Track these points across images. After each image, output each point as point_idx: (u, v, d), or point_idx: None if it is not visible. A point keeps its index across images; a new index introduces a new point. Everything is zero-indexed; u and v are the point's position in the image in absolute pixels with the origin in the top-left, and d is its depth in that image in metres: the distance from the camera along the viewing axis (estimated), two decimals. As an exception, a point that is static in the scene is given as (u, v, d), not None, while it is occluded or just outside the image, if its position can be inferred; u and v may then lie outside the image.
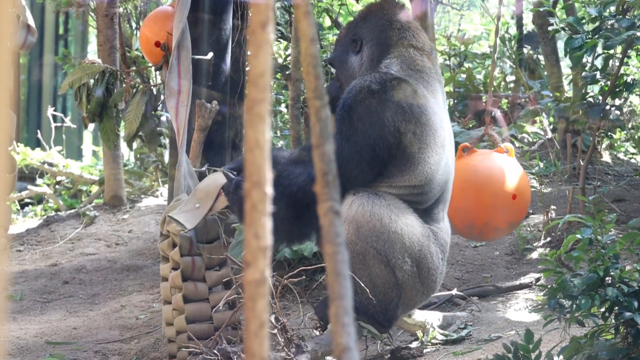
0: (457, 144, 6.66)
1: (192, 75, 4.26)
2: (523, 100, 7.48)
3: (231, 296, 3.84)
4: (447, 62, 7.98)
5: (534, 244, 5.29)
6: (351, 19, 7.32)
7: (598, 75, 5.02)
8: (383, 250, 3.68)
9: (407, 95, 3.73)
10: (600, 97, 5.09)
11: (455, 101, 7.57)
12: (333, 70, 6.17)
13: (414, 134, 3.72)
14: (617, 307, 3.00)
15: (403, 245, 3.70)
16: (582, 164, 5.30)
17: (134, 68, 6.74)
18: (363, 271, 3.69)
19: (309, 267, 3.88)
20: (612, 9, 4.73)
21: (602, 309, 3.05)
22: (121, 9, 7.30)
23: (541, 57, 7.74)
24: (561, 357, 3.13)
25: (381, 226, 3.67)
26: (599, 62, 5.15)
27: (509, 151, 4.36)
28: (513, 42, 7.82)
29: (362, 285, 3.61)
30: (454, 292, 4.72)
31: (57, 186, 8.92)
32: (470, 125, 7.18)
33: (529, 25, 8.47)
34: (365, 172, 3.72)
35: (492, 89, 4.57)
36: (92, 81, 4.78)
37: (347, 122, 3.69)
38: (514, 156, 4.41)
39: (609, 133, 6.17)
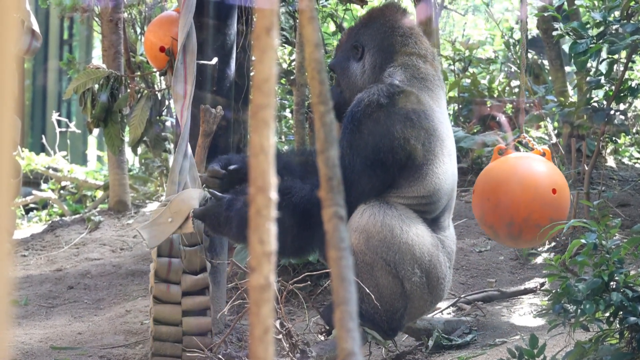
0: (461, 149, 6.68)
1: (195, 79, 4.25)
2: (527, 105, 7.47)
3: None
4: (452, 67, 7.99)
5: (539, 249, 5.28)
6: (352, 24, 7.33)
7: (602, 80, 5.02)
8: (392, 262, 3.65)
9: (415, 107, 3.72)
10: (604, 102, 5.09)
11: (460, 106, 7.57)
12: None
13: (422, 146, 3.70)
14: (621, 312, 3.00)
15: (413, 257, 3.68)
16: (586, 168, 5.30)
17: (139, 73, 6.74)
18: (370, 281, 3.66)
19: (314, 273, 3.87)
20: (617, 13, 4.73)
21: (607, 314, 3.04)
22: (126, 14, 7.31)
23: (545, 62, 7.74)
24: (566, 362, 3.12)
25: (392, 237, 3.65)
26: (603, 67, 5.15)
27: (546, 154, 4.25)
28: (518, 47, 7.81)
29: (368, 292, 3.60)
30: (459, 297, 4.72)
31: (61, 191, 8.93)
32: (475, 130, 7.18)
33: (533, 30, 8.47)
34: (376, 186, 3.71)
35: (524, 92, 4.48)
36: (96, 86, 4.79)
37: (357, 136, 3.67)
38: (551, 159, 4.29)
39: (614, 138, 6.16)
